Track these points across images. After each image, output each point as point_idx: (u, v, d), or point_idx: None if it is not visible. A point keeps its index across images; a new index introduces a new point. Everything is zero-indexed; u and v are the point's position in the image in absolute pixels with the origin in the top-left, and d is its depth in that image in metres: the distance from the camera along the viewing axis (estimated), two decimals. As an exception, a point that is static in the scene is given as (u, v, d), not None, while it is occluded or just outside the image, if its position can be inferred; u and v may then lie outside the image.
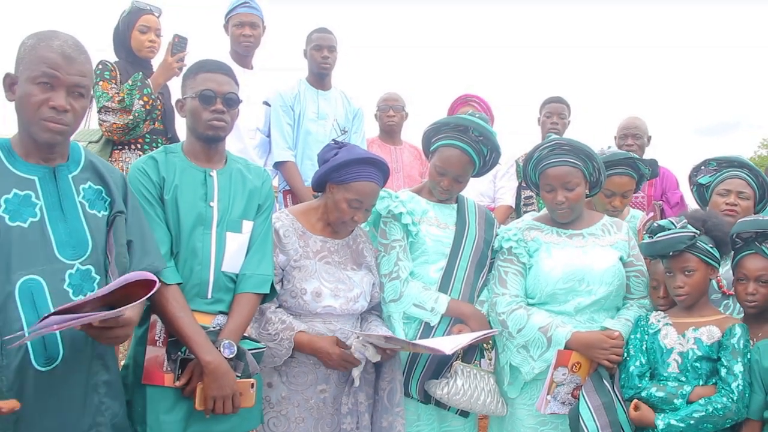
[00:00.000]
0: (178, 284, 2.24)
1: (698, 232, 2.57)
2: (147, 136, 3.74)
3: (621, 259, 2.78)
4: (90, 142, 3.69)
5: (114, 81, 3.66)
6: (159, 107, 3.68)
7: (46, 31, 1.93)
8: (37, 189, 1.92)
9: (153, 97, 3.57)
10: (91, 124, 3.59)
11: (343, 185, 2.57)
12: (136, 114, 3.54)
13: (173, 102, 3.56)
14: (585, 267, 2.71)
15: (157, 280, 1.80)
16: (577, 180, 2.72)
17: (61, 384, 1.88)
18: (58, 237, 1.91)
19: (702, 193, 3.18)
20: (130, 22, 3.75)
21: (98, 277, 1.97)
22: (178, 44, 3.61)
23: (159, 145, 3.72)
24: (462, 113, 3.51)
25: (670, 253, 2.59)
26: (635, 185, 3.18)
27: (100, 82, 3.63)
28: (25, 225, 1.87)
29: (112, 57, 3.82)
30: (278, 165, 4.08)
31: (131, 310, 1.84)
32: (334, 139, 2.83)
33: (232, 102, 2.39)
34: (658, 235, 2.62)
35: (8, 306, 1.80)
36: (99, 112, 3.66)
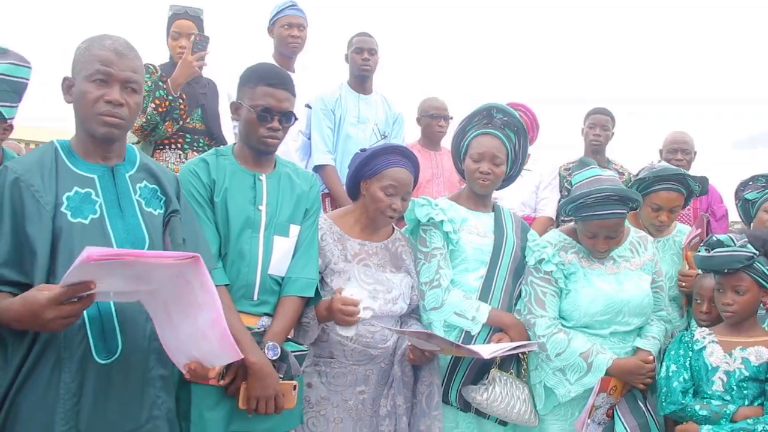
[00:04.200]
0: (226, 285, 2.28)
1: (758, 252, 2.53)
2: (188, 135, 3.76)
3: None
4: (132, 143, 3.74)
5: (148, 83, 3.60)
6: (182, 106, 3.62)
7: (98, 34, 2.01)
8: (97, 187, 1.97)
9: (170, 98, 3.52)
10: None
11: (376, 176, 2.62)
12: (149, 117, 3.51)
13: (223, 103, 3.61)
14: (623, 300, 2.73)
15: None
16: (621, 227, 2.73)
17: (120, 377, 1.92)
18: (117, 233, 1.96)
19: (747, 208, 3.17)
20: (167, 28, 3.80)
21: None
22: (199, 43, 3.59)
23: (200, 145, 3.77)
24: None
25: (725, 270, 2.56)
26: (684, 201, 3.14)
27: None
28: (86, 221, 1.92)
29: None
30: (318, 168, 4.10)
31: None
32: (361, 149, 2.86)
33: (288, 118, 2.43)
34: (716, 250, 2.59)
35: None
36: None
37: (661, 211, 3.09)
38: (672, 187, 3.06)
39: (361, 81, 4.28)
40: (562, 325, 2.75)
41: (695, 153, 4.28)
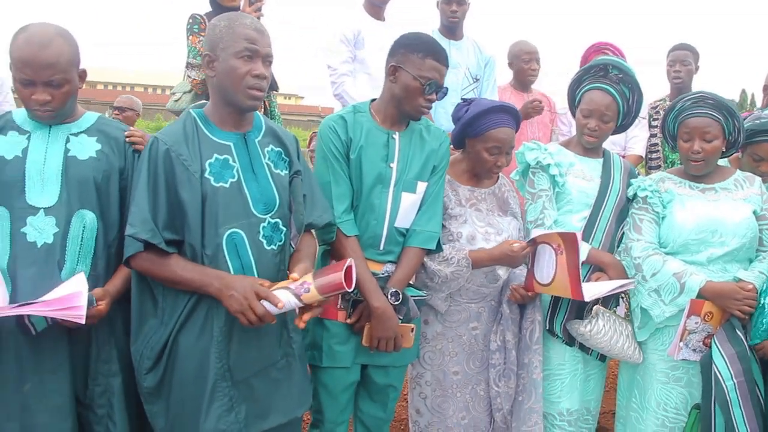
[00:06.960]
0: (356, 236, 2.49)
1: None
2: None
3: (754, 212, 2.81)
4: (184, 92, 3.82)
5: (203, 34, 3.59)
6: None
7: (233, 14, 2.22)
8: (233, 153, 2.19)
9: None
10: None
11: (480, 137, 2.71)
12: None
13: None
14: (718, 219, 2.75)
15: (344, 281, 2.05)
16: (715, 133, 2.76)
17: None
18: (252, 194, 2.18)
19: None
20: None
21: (285, 229, 2.24)
22: None
23: None
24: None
25: None
26: None
27: (190, 36, 3.70)
28: (226, 185, 2.15)
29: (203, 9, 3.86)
30: None
31: None
32: (462, 98, 2.95)
33: (444, 94, 2.56)
34: None
35: (218, 255, 2.11)
36: (186, 67, 3.73)
37: (762, 162, 3.06)
38: None
39: (450, 29, 4.34)
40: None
41: None
